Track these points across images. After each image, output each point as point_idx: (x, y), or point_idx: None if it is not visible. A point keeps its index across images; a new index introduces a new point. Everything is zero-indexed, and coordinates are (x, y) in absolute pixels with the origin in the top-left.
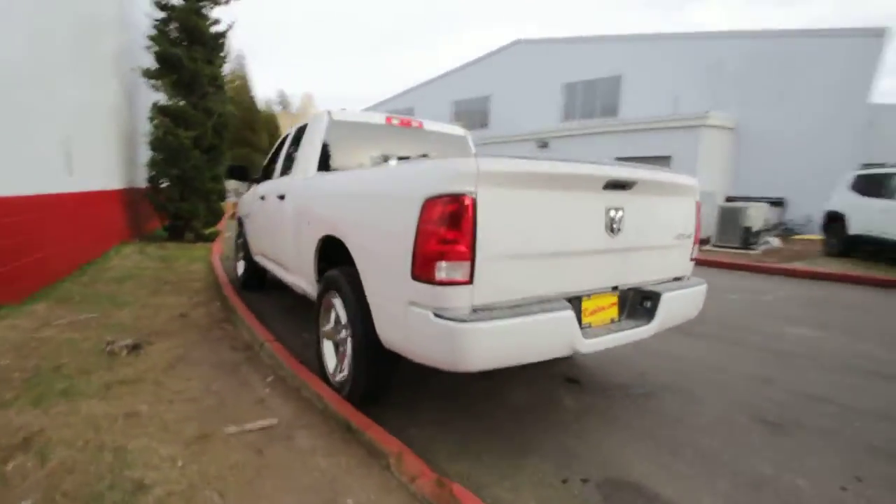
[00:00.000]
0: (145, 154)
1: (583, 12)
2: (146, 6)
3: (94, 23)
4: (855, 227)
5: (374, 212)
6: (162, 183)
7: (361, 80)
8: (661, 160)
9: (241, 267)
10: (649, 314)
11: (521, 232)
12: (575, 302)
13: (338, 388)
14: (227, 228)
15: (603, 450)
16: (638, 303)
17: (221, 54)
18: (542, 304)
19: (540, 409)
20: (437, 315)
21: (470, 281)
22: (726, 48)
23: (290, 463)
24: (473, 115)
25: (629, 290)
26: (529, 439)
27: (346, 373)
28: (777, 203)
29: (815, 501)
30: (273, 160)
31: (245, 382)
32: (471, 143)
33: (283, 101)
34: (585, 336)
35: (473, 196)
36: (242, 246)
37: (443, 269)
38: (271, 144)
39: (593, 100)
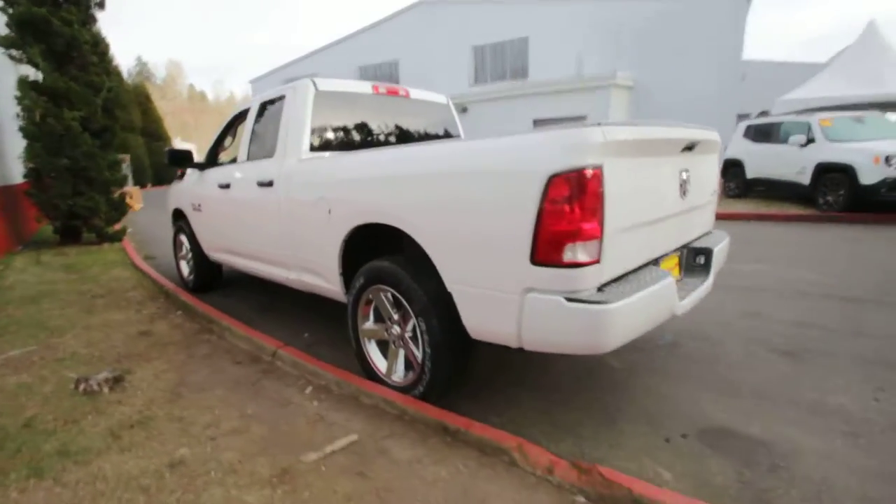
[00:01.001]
0: (16, 143)
1: None
2: None
3: None
4: (751, 171)
5: (465, 192)
6: (46, 177)
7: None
8: (577, 120)
9: (185, 267)
10: (705, 269)
11: (631, 202)
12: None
13: (404, 389)
14: (129, 223)
15: (677, 403)
16: (692, 260)
17: (99, 13)
18: (643, 273)
19: (595, 372)
20: (570, 299)
21: (598, 260)
22: (624, 10)
23: (405, 480)
24: (381, 80)
25: (684, 248)
26: (606, 405)
27: (407, 371)
28: None
29: (865, 415)
30: (220, 142)
31: (282, 399)
32: (453, 111)
33: (144, 71)
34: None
35: (601, 168)
36: (190, 243)
37: (573, 251)
38: (145, 122)
39: (502, 62)
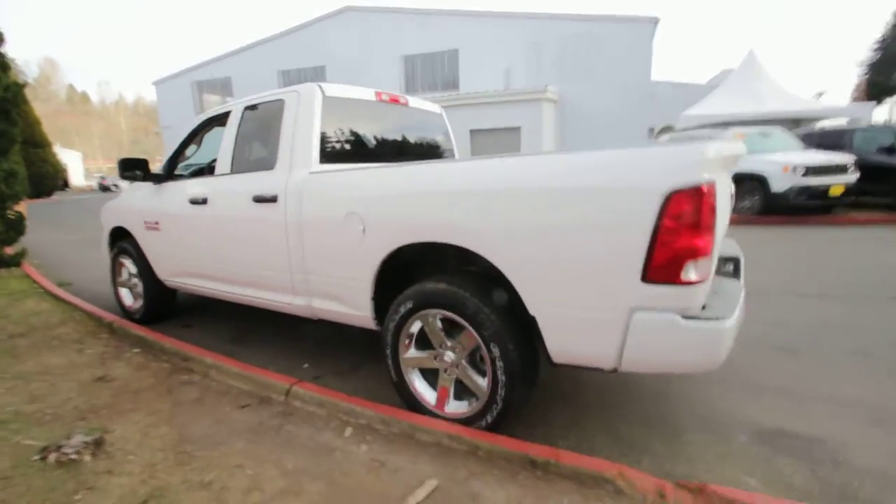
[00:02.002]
0: None
1: None
2: None
3: None
4: None
5: (563, 210)
6: None
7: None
8: (513, 131)
9: (127, 296)
10: (736, 276)
11: (720, 217)
12: None
13: (464, 421)
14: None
15: (718, 407)
16: (722, 268)
17: None
18: (723, 285)
19: (627, 382)
20: (686, 317)
21: (708, 276)
22: (546, 29)
23: None
24: None
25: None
26: (659, 415)
27: (463, 401)
28: None
29: (880, 401)
30: (182, 151)
31: (322, 447)
32: (446, 121)
33: (12, 68)
34: None
35: (714, 184)
36: (138, 267)
37: (690, 268)
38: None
39: (434, 73)
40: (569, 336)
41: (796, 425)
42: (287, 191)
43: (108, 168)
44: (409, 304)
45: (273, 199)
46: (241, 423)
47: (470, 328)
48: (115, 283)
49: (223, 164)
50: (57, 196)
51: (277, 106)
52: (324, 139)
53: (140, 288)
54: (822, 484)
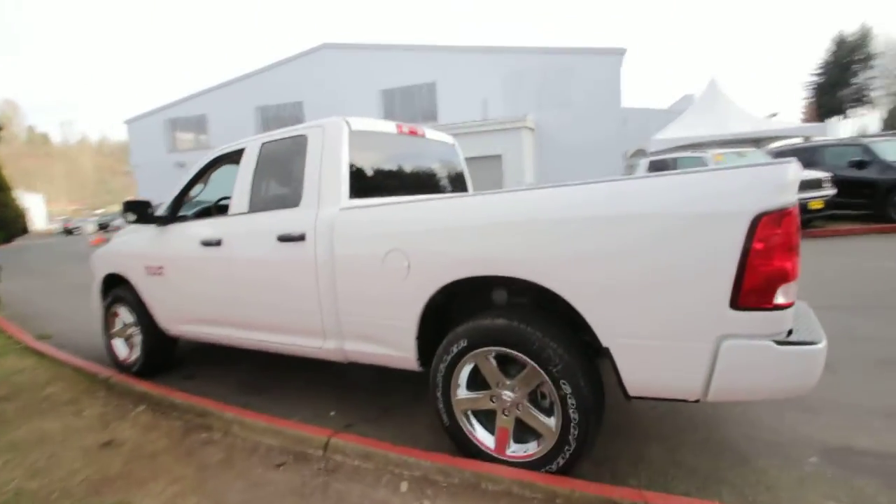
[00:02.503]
0: None
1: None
2: None
3: None
4: None
5: (640, 237)
6: None
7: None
8: (495, 158)
9: (121, 347)
10: None
11: None
12: None
13: (530, 465)
14: None
15: (778, 427)
16: None
17: None
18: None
19: (675, 407)
20: (780, 343)
21: (795, 299)
22: (520, 61)
23: None
24: (285, 122)
25: None
26: (715, 441)
27: (524, 443)
28: None
29: None
30: (187, 192)
31: None
32: (459, 152)
33: None
34: None
35: (797, 205)
36: (136, 316)
37: (782, 292)
38: None
39: (412, 105)
40: (649, 368)
41: (861, 441)
42: (316, 228)
43: (73, 210)
44: (464, 343)
45: (300, 238)
46: (282, 484)
47: (535, 365)
48: (108, 335)
49: (239, 203)
50: (18, 241)
51: (299, 141)
52: (351, 174)
53: (137, 338)
54: None
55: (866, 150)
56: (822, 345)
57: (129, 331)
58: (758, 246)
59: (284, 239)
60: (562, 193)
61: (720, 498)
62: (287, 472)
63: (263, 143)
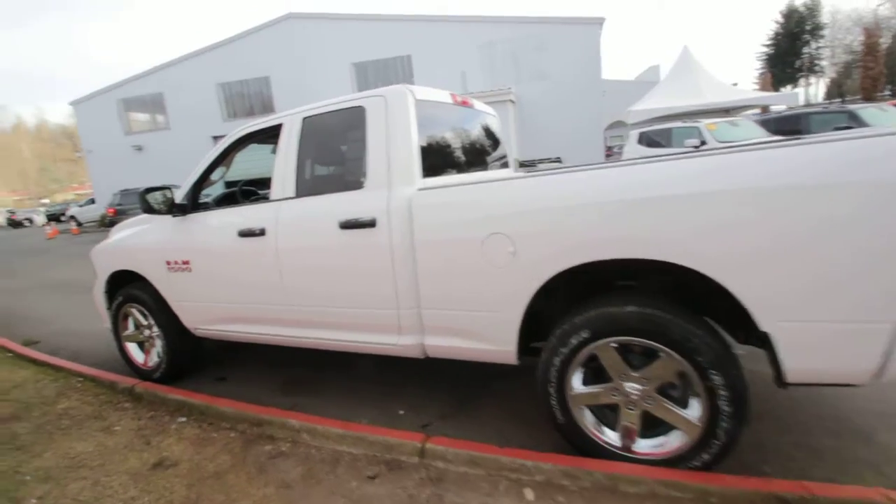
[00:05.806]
0: None
1: None
2: None
3: None
4: None
5: (806, 211)
6: None
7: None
8: None
9: (137, 352)
10: None
11: None
12: None
13: (669, 462)
14: None
15: (885, 398)
16: None
17: None
18: None
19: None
20: None
21: None
22: (497, 31)
23: None
24: (250, 99)
25: None
26: (830, 419)
27: (653, 438)
28: (557, 161)
29: None
30: (207, 177)
31: None
32: (499, 123)
33: None
34: None
35: None
36: (156, 317)
37: None
38: None
39: (387, 79)
40: (814, 351)
41: None
42: (390, 213)
43: (15, 201)
44: (586, 334)
45: (370, 224)
46: (385, 498)
47: (675, 355)
48: (120, 338)
49: (283, 188)
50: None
51: (355, 114)
52: (423, 149)
53: (158, 341)
54: None
55: (852, 116)
56: None
57: (147, 333)
58: None
59: (349, 226)
60: (707, 164)
61: (865, 479)
62: (385, 484)
63: (305, 118)
